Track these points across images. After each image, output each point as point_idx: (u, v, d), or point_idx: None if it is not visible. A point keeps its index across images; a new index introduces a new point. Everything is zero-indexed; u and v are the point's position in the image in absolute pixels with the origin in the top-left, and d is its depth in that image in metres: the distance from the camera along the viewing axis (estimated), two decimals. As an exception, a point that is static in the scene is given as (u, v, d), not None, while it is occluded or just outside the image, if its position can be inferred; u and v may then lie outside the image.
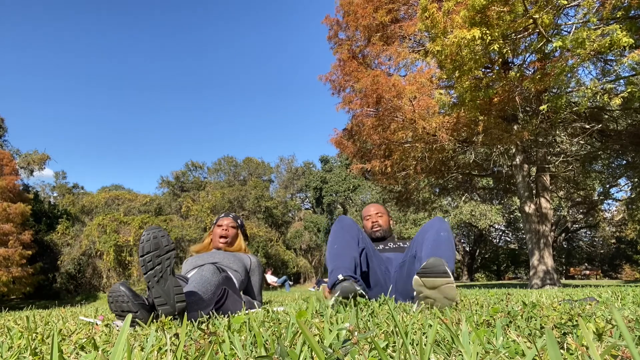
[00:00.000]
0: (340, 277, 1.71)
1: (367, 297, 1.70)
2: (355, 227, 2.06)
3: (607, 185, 15.81)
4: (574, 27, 6.95)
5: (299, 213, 34.84)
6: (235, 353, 0.72)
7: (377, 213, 2.66)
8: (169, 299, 1.30)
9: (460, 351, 0.67)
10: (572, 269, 31.43)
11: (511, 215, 26.22)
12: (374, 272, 2.11)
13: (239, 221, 2.58)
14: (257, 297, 2.41)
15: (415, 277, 1.50)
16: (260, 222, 28.44)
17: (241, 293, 2.21)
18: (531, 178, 11.24)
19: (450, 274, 1.47)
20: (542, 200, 10.87)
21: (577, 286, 8.62)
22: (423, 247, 1.85)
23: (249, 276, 2.40)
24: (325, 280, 4.73)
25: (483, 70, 9.10)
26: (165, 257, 1.33)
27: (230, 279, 1.96)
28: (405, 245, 2.38)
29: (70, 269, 22.81)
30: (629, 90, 6.73)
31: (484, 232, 27.58)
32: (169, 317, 1.21)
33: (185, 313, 1.27)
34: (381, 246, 2.43)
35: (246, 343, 0.80)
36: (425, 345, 0.64)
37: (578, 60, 6.59)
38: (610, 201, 18.59)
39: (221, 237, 2.46)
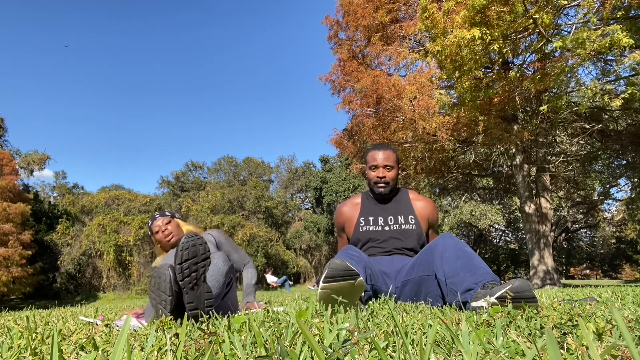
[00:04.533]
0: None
1: (364, 289, 1.47)
2: (364, 256, 1.82)
3: (607, 185, 15.81)
4: (574, 27, 6.95)
5: (299, 213, 34.80)
6: (235, 353, 0.72)
7: (385, 166, 2.10)
8: (199, 304, 1.37)
9: (460, 351, 0.67)
10: (572, 269, 31.44)
11: (511, 215, 26.21)
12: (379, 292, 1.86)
13: (167, 213, 2.39)
14: (234, 257, 2.40)
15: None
16: (260, 222, 28.43)
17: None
18: (531, 178, 11.24)
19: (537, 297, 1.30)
20: (542, 200, 10.87)
21: (577, 286, 8.63)
22: (460, 273, 1.54)
23: (223, 249, 2.34)
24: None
25: (483, 70, 9.10)
26: (201, 265, 1.40)
27: (232, 266, 1.93)
28: (410, 247, 2.06)
29: (70, 269, 22.79)
30: (630, 91, 6.73)
31: (484, 232, 27.57)
32: (169, 317, 1.22)
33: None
34: (381, 244, 2.07)
35: (246, 343, 0.80)
36: (425, 345, 0.64)
37: (578, 60, 6.59)
38: (610, 201, 18.61)
39: (166, 238, 2.27)
